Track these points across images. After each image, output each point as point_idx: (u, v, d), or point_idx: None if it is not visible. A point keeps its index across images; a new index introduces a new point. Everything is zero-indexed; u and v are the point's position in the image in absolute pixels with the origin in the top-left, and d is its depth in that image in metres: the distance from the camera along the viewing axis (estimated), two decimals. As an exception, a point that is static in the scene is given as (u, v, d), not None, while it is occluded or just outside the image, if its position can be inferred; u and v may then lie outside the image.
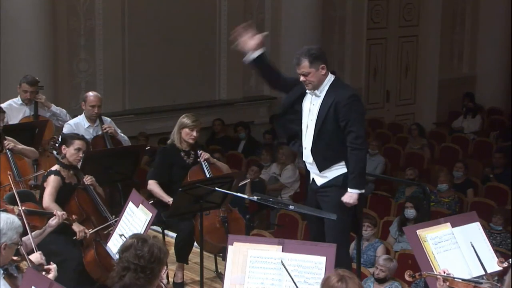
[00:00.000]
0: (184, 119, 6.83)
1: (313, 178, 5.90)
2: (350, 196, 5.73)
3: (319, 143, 5.74)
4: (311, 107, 5.79)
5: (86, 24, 11.65)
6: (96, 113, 7.73)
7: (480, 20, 15.72)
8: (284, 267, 4.40)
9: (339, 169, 5.78)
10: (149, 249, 3.99)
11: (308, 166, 5.91)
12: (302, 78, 5.70)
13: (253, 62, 5.87)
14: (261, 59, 5.87)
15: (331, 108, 5.66)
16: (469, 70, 16.06)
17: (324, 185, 5.83)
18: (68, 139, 6.29)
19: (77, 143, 6.24)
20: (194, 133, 6.80)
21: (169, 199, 6.55)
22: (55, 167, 6.26)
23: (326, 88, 5.73)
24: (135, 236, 4.15)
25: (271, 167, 11.21)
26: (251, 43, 5.82)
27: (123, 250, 4.04)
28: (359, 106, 5.82)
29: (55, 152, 6.68)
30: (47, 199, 6.06)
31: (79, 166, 6.41)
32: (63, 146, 6.27)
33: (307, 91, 5.79)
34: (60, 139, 6.40)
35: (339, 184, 5.78)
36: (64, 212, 5.67)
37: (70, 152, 6.22)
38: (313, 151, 5.76)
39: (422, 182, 10.04)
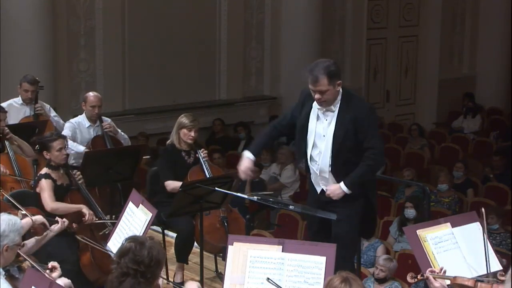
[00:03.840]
0: (183, 119, 6.80)
1: (322, 190, 5.70)
2: (338, 193, 5.51)
3: (339, 162, 5.54)
4: (321, 121, 5.58)
5: (86, 24, 11.65)
6: (96, 113, 7.73)
7: (480, 20, 15.72)
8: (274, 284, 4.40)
9: None
10: (148, 252, 3.91)
11: (318, 178, 5.69)
12: (317, 96, 5.43)
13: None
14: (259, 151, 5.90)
15: (349, 125, 5.47)
16: (469, 70, 16.06)
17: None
18: (46, 143, 6.17)
19: (56, 144, 6.15)
20: (192, 134, 6.77)
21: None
22: (44, 170, 6.20)
23: (339, 102, 5.52)
24: (132, 239, 4.05)
25: (271, 167, 11.22)
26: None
27: (121, 255, 3.95)
28: (376, 119, 5.74)
29: None
30: (49, 202, 6.01)
31: (79, 162, 6.37)
32: (45, 152, 6.20)
33: (317, 108, 5.57)
34: (38, 146, 6.31)
35: (354, 196, 5.59)
36: (66, 220, 5.66)
37: (54, 155, 6.15)
38: (333, 169, 5.56)
39: (422, 182, 10.04)
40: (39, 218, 5.30)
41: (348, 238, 5.65)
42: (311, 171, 5.72)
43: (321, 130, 5.58)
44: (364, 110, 5.55)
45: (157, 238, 6.87)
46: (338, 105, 5.53)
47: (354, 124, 5.48)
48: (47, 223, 5.28)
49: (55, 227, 5.50)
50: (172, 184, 6.63)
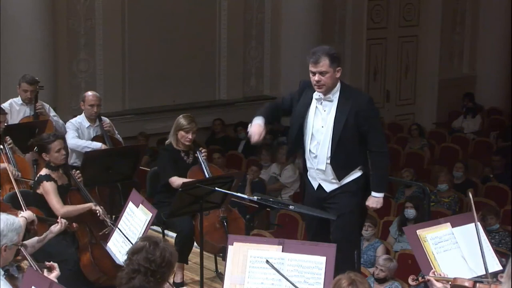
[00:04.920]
0: (181, 120, 6.76)
1: (319, 185, 5.71)
2: (378, 200, 5.64)
3: (339, 153, 5.54)
4: (319, 112, 5.59)
5: (86, 24, 11.65)
6: (95, 112, 7.73)
7: (480, 20, 15.73)
8: (273, 267, 4.38)
9: (352, 175, 5.66)
10: (160, 253, 3.95)
11: (315, 173, 5.70)
12: (316, 78, 5.44)
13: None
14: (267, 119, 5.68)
15: (350, 115, 5.48)
16: (469, 70, 16.06)
17: (335, 192, 5.67)
18: (45, 145, 6.16)
19: (55, 145, 6.13)
20: (190, 136, 6.74)
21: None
22: (44, 170, 6.19)
23: (338, 92, 5.54)
24: (146, 238, 4.10)
25: (271, 167, 11.22)
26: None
27: (134, 252, 3.99)
28: (377, 110, 5.79)
29: None
30: (59, 207, 6.00)
31: (78, 162, 6.35)
32: (43, 154, 6.19)
33: (314, 96, 5.61)
34: (36, 149, 6.31)
35: (352, 190, 5.64)
36: (65, 220, 5.66)
37: (53, 156, 6.14)
38: (332, 161, 5.56)
39: (422, 182, 10.04)
40: (29, 215, 5.21)
41: (348, 232, 5.67)
42: (309, 165, 5.73)
43: (320, 122, 5.59)
44: (364, 101, 5.58)
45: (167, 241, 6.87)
46: (337, 95, 5.55)
47: (355, 115, 5.49)
48: (35, 220, 5.21)
49: (55, 228, 5.50)
50: (178, 181, 6.60)
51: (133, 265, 3.94)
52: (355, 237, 5.88)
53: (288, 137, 6.12)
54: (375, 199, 5.65)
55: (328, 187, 5.68)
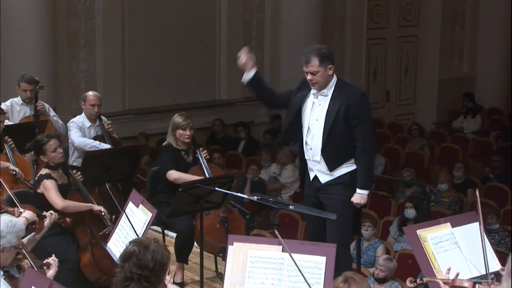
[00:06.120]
0: (176, 119, 6.79)
1: (315, 176, 5.90)
2: (361, 196, 5.82)
3: (330, 144, 5.77)
4: (315, 107, 5.81)
5: (86, 24, 11.64)
6: (96, 112, 7.74)
7: (480, 20, 15.71)
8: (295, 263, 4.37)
9: (346, 167, 5.84)
10: (151, 256, 3.90)
11: (311, 164, 5.91)
12: (309, 77, 5.73)
13: (251, 81, 5.99)
14: (257, 78, 6.02)
15: (341, 108, 5.70)
16: (469, 70, 16.04)
17: (329, 183, 5.86)
18: (40, 147, 6.15)
19: (50, 145, 6.12)
20: (188, 132, 6.75)
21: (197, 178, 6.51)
22: (45, 170, 6.17)
23: (332, 88, 5.77)
24: (135, 243, 4.03)
25: (271, 167, 11.22)
26: (250, 63, 5.95)
27: (124, 259, 3.94)
28: (369, 106, 5.95)
29: None
30: (59, 201, 5.99)
31: (79, 160, 6.33)
32: (41, 156, 6.17)
33: (311, 91, 5.81)
34: (33, 152, 6.30)
35: (346, 182, 5.83)
36: (54, 213, 5.63)
37: (50, 156, 6.13)
38: (324, 152, 5.78)
39: (422, 182, 10.03)
40: (31, 217, 5.21)
41: (341, 224, 5.79)
42: (307, 156, 5.93)
43: (315, 115, 5.81)
44: (356, 96, 5.80)
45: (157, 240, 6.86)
46: (332, 90, 5.78)
47: (346, 109, 5.70)
48: (37, 221, 5.23)
49: (45, 223, 5.46)
50: (175, 174, 6.63)
51: (126, 273, 3.89)
52: (349, 228, 6.01)
53: (283, 124, 6.29)
54: (358, 196, 5.83)
55: (323, 178, 5.88)
